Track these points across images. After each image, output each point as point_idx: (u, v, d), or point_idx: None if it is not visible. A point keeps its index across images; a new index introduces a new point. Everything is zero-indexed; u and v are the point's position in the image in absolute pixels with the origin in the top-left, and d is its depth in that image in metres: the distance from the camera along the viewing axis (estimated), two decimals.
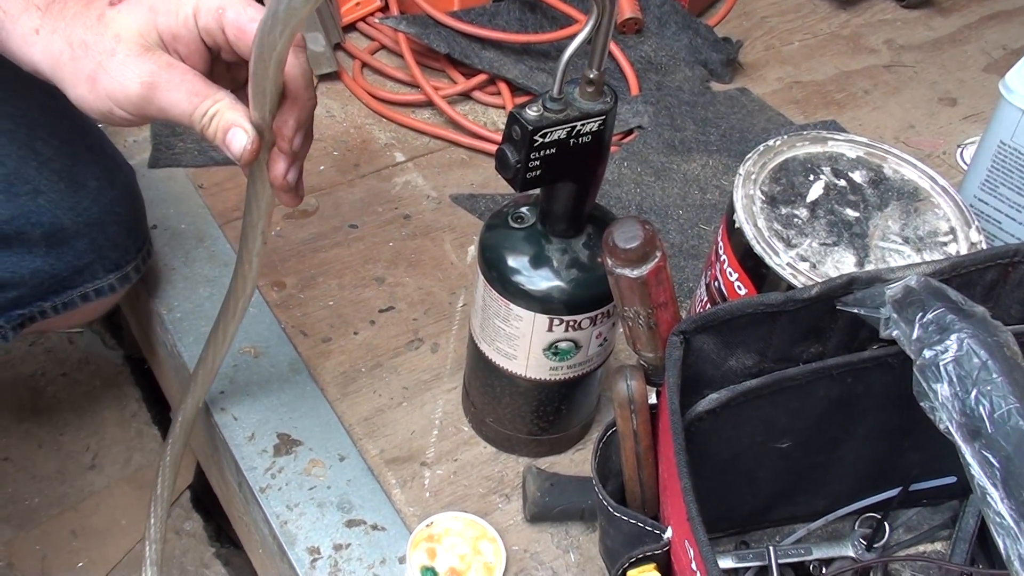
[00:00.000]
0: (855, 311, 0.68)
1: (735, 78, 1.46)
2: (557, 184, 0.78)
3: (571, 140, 0.74)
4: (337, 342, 1.04)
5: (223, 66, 0.76)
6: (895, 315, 0.64)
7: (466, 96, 1.35)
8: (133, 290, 1.08)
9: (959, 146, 1.40)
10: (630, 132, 1.31)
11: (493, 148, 1.25)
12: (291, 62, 0.67)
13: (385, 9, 1.42)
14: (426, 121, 1.31)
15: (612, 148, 1.24)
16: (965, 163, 1.37)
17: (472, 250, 1.15)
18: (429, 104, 1.33)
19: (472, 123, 1.29)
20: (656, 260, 0.64)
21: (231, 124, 0.69)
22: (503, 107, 1.34)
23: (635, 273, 0.65)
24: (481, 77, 1.34)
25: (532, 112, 0.72)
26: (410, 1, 1.36)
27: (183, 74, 0.71)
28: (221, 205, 1.18)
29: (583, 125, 0.74)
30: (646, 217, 1.17)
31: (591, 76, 0.73)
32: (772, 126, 1.35)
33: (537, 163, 0.74)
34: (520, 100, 1.34)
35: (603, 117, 0.74)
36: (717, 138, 1.31)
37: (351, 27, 1.43)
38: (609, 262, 0.65)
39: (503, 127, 1.30)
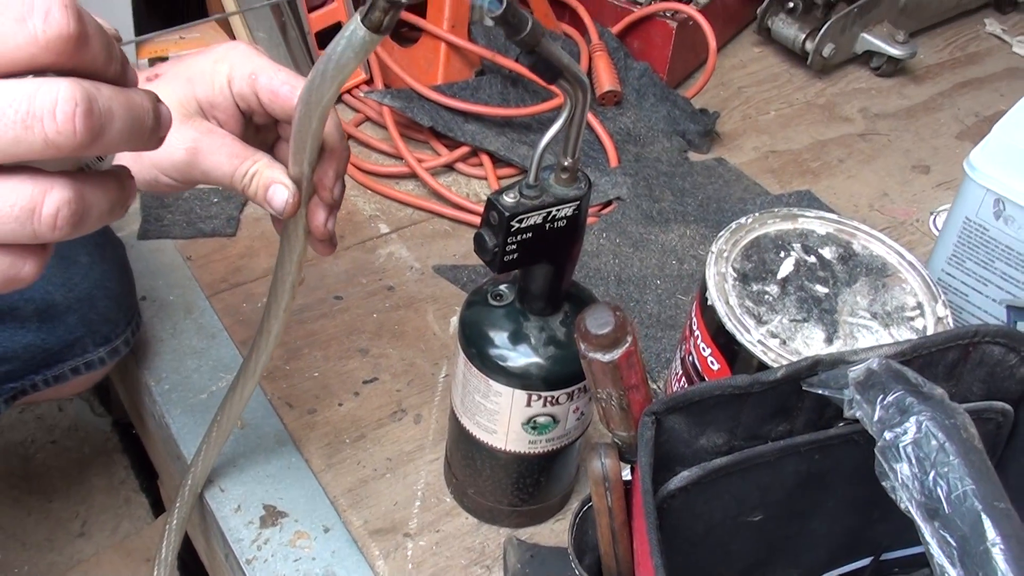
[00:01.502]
0: (820, 392, 0.70)
1: (712, 148, 1.50)
2: (534, 266, 0.80)
3: (547, 224, 0.77)
4: (322, 413, 1.06)
5: (253, 129, 0.79)
6: (858, 396, 0.67)
7: (449, 168, 1.38)
8: (122, 361, 1.10)
9: (932, 213, 1.43)
10: (609, 203, 1.34)
11: (475, 219, 1.29)
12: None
13: (370, 82, 1.46)
14: (410, 193, 1.34)
15: (591, 219, 1.27)
16: (938, 230, 1.40)
17: (454, 321, 1.17)
18: (413, 176, 1.36)
19: (455, 195, 1.32)
20: (627, 345, 0.67)
21: (271, 181, 0.72)
22: (485, 178, 1.37)
23: (607, 357, 0.67)
24: (464, 149, 1.37)
25: (509, 199, 0.75)
26: (394, 75, 1.40)
27: (223, 138, 0.74)
28: (209, 277, 1.20)
29: (558, 211, 0.76)
30: (624, 288, 1.20)
31: (566, 164, 0.76)
32: (748, 195, 1.39)
33: (514, 247, 0.76)
34: (502, 172, 1.37)
35: (578, 203, 0.77)
36: (694, 208, 1.34)
37: (336, 99, 1.46)
38: (582, 346, 0.67)
39: (485, 198, 1.33)
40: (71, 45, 0.46)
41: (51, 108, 0.45)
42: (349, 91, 1.46)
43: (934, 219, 1.42)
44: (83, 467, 1.42)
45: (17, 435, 1.43)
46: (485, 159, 1.38)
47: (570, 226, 0.78)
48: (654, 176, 1.37)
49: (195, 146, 0.74)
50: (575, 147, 0.75)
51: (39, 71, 0.46)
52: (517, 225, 0.75)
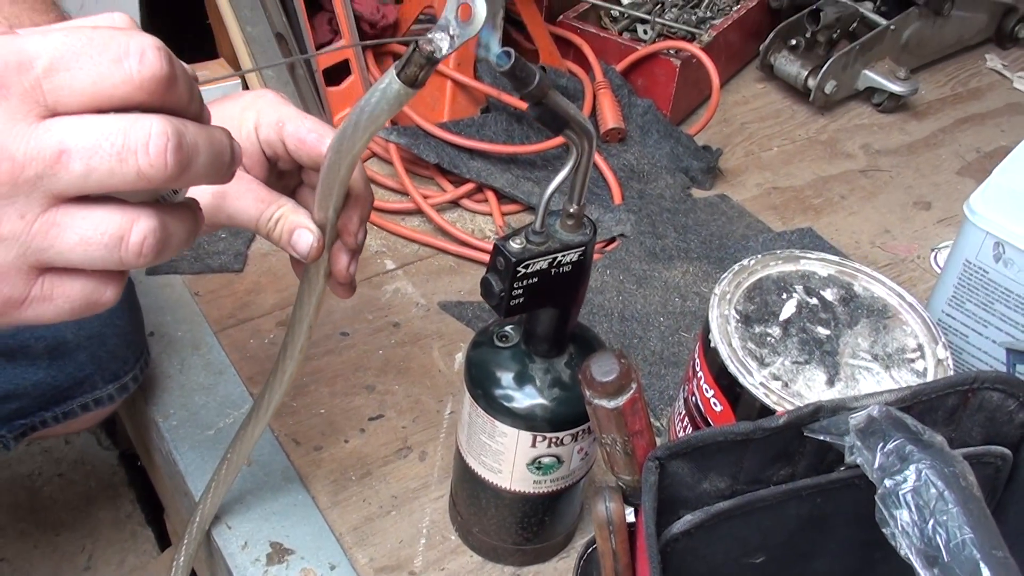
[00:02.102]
0: (822, 438, 0.71)
1: (715, 184, 1.51)
2: (540, 310, 0.81)
3: (552, 270, 0.78)
4: (328, 450, 1.07)
5: (276, 174, 0.81)
6: (858, 443, 0.68)
7: (454, 204, 1.39)
8: (130, 396, 1.11)
9: (933, 250, 1.44)
10: (613, 240, 1.35)
11: (480, 255, 1.30)
12: None
13: None
14: (415, 229, 1.35)
15: (595, 256, 1.28)
16: (939, 267, 1.41)
17: (459, 357, 1.18)
18: (419, 212, 1.37)
19: (460, 231, 1.33)
20: (632, 392, 0.68)
21: (296, 226, 0.73)
22: (490, 214, 1.38)
23: (612, 404, 0.68)
24: (469, 185, 1.39)
25: (516, 244, 0.76)
26: (401, 112, 1.41)
27: (249, 183, 0.75)
28: (216, 312, 1.22)
29: (564, 256, 0.77)
30: (628, 325, 1.21)
31: (571, 210, 0.77)
32: (751, 232, 1.40)
33: (520, 291, 0.78)
34: (506, 208, 1.39)
35: (583, 248, 0.78)
36: (697, 245, 1.35)
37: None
38: (587, 393, 0.69)
39: (490, 234, 1.35)
40: (162, 85, 0.49)
41: (144, 143, 0.49)
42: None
43: (935, 256, 1.44)
44: (89, 500, 1.43)
45: (24, 468, 1.44)
46: (490, 195, 1.39)
47: (575, 271, 0.79)
48: (657, 213, 1.39)
49: (222, 190, 0.75)
50: (580, 194, 0.76)
51: (131, 108, 0.49)
52: (523, 271, 0.76)
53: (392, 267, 1.30)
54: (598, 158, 1.44)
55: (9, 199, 0.48)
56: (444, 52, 0.58)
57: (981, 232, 0.98)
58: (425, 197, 1.37)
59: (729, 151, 1.58)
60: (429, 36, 0.58)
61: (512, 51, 0.64)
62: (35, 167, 0.48)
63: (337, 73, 1.45)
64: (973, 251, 0.99)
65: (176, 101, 0.51)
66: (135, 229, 0.51)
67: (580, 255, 0.78)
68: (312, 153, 0.75)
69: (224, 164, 0.54)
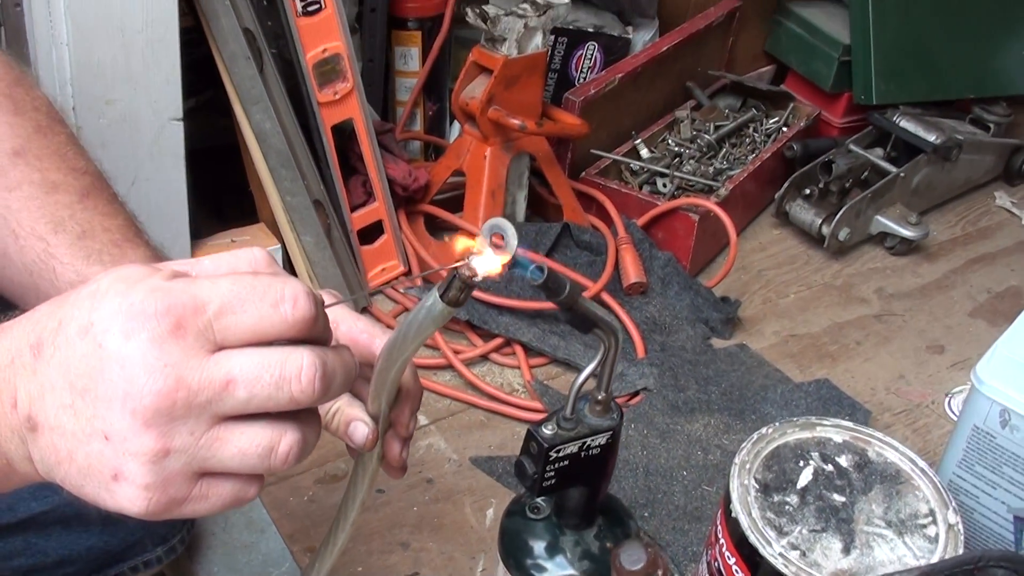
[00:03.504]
0: None
1: (735, 334, 1.56)
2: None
3: (582, 453, 0.83)
4: None
5: None
6: None
7: (484, 358, 1.45)
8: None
9: (947, 395, 1.49)
10: (636, 394, 1.40)
11: (509, 410, 1.36)
12: None
13: (408, 274, 1.54)
14: (447, 384, 1.41)
15: None
16: (953, 413, 1.45)
17: (490, 513, 1.23)
18: (449, 367, 1.43)
19: (489, 386, 1.39)
20: None
21: (352, 418, 0.77)
22: (518, 367, 1.44)
23: None
24: (498, 340, 1.45)
25: (548, 431, 0.82)
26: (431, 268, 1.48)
27: None
28: None
29: (593, 440, 0.83)
30: (652, 479, 1.26)
31: (599, 397, 0.82)
32: (769, 383, 1.45)
33: (552, 473, 0.83)
34: (534, 361, 1.44)
35: (611, 432, 0.83)
36: (718, 396, 1.40)
37: (377, 292, 1.54)
38: None
39: (518, 388, 1.40)
40: (309, 324, 0.60)
41: (297, 373, 0.58)
42: (388, 283, 1.54)
43: (949, 401, 1.48)
44: None
45: None
46: (518, 349, 1.45)
47: (604, 453, 0.84)
48: (679, 365, 1.44)
49: None
50: (608, 383, 0.82)
51: (282, 340, 0.59)
52: (555, 455, 0.82)
53: (425, 422, 1.36)
54: (621, 312, 1.49)
55: (183, 420, 0.57)
56: (480, 279, 0.64)
57: (988, 400, 1.03)
58: (456, 352, 1.42)
59: (747, 299, 1.63)
60: (468, 263, 0.64)
61: (545, 266, 0.70)
62: (206, 394, 0.57)
63: (371, 233, 1.52)
64: (981, 417, 1.04)
65: (318, 334, 0.61)
66: (283, 441, 0.60)
67: (608, 438, 0.84)
68: (365, 352, 0.80)
69: (351, 380, 0.63)
